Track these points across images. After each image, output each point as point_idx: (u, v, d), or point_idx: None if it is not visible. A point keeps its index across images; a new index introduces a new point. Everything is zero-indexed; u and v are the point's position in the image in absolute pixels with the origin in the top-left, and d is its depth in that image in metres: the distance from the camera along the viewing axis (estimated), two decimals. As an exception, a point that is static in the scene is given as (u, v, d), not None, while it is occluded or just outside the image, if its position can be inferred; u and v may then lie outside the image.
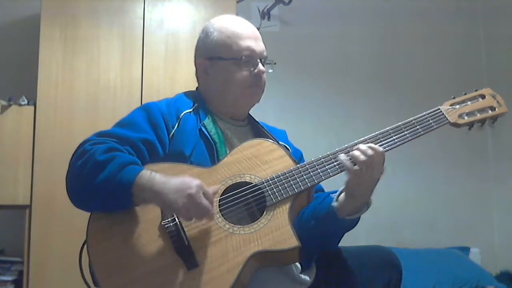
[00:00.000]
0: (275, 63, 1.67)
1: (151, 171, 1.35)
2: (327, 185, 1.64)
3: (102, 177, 1.33)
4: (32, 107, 2.88)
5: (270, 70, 1.66)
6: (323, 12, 3.93)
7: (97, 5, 3.03)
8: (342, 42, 3.99)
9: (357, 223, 1.50)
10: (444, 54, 4.17)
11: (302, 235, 1.51)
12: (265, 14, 3.79)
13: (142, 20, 3.06)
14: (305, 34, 3.88)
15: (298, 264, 1.50)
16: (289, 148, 1.68)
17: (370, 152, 1.39)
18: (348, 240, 1.62)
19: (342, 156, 1.43)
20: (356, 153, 1.40)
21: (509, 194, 3.99)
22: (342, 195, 1.48)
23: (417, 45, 4.14)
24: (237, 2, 3.25)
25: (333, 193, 1.53)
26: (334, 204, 1.47)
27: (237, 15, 3.03)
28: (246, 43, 1.60)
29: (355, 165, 1.40)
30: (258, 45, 1.62)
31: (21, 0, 3.32)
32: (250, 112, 1.72)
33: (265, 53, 1.63)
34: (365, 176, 1.40)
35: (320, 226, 1.50)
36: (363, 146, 1.41)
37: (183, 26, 3.10)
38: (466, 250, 3.82)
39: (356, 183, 1.41)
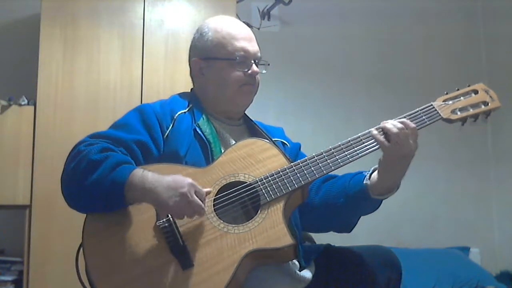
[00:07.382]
0: (268, 64, 1.68)
1: (143, 170, 1.36)
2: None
3: (96, 176, 1.34)
4: (32, 107, 2.88)
5: (264, 71, 1.67)
6: (323, 12, 3.93)
7: (97, 5, 3.03)
8: (342, 42, 3.99)
9: (379, 205, 1.55)
10: (444, 54, 4.18)
11: (326, 212, 1.56)
12: (265, 14, 3.79)
13: (142, 20, 3.06)
14: (305, 34, 3.88)
15: (296, 261, 1.50)
16: (288, 144, 1.70)
17: (400, 125, 1.43)
18: (348, 240, 1.62)
19: (374, 131, 1.46)
20: (389, 125, 1.44)
21: (509, 194, 3.99)
22: (375, 173, 1.51)
23: (417, 45, 4.14)
24: (237, 2, 3.24)
25: (363, 172, 1.56)
26: (367, 182, 1.50)
27: (237, 15, 3.03)
28: (241, 43, 1.61)
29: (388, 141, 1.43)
30: (253, 46, 1.63)
31: (21, 0, 3.32)
32: (248, 111, 1.73)
33: (259, 54, 1.64)
34: (398, 150, 1.43)
35: (350, 204, 1.54)
36: (393, 121, 1.45)
37: (183, 26, 3.09)
38: (466, 250, 3.82)
39: (390, 158, 1.45)
